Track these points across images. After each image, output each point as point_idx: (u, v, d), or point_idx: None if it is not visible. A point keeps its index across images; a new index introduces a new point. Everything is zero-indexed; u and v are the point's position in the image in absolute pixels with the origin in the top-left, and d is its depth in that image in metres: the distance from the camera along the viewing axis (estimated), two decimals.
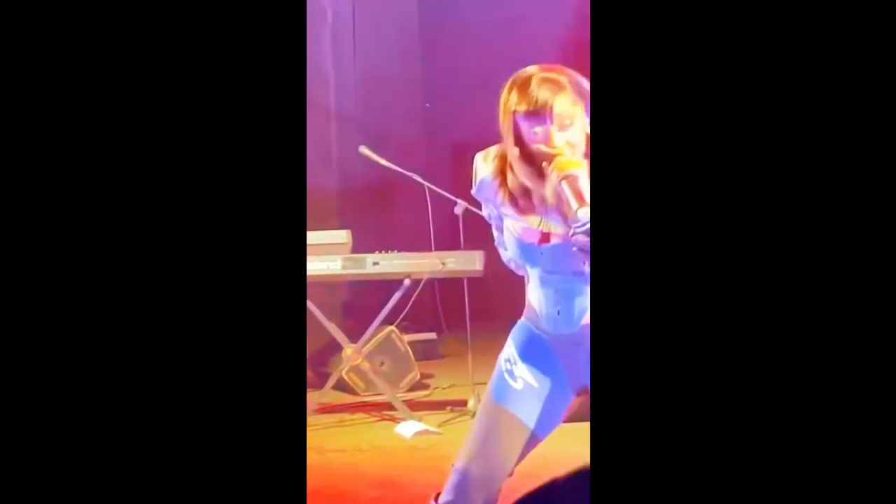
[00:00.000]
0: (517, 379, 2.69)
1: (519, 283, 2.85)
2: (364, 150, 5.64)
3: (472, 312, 5.57)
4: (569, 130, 2.45)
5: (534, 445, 2.69)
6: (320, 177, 6.92)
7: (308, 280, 5.35)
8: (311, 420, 5.42)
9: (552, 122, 2.45)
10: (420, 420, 5.35)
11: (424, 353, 6.76)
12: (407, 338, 6.22)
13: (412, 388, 6.11)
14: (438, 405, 5.74)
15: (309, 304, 5.42)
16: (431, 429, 5.24)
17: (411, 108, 7.80)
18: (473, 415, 4.95)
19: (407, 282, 5.44)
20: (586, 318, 2.61)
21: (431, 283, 6.08)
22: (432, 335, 6.95)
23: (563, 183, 2.39)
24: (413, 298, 5.64)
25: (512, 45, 6.61)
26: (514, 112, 2.48)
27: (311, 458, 4.96)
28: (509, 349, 2.76)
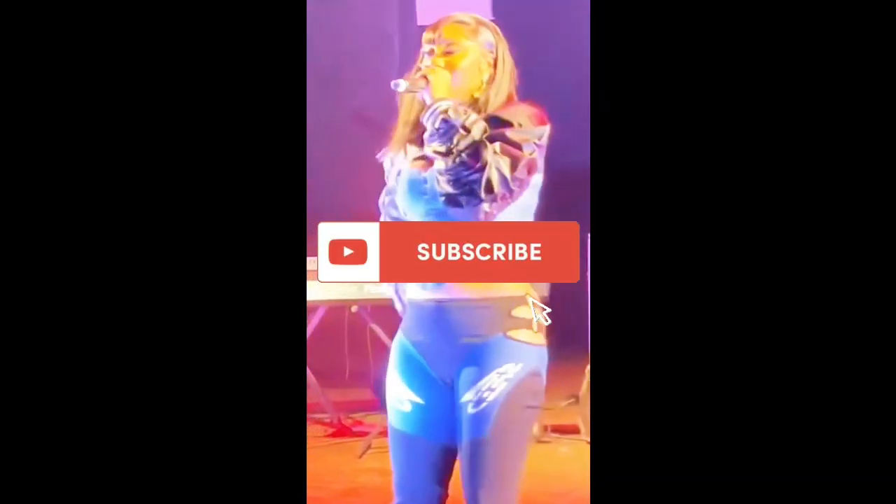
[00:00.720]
0: (403, 402, 2.67)
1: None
2: None
3: None
4: (454, 58, 2.59)
5: (453, 458, 2.63)
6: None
7: (372, 302, 5.40)
8: (375, 443, 5.43)
9: (437, 45, 2.61)
10: None
11: None
12: None
13: None
14: None
15: (374, 325, 5.45)
16: None
17: None
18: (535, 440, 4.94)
19: None
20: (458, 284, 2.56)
21: None
22: None
23: (421, 79, 2.53)
24: None
25: (566, 71, 6.60)
26: (423, 41, 2.65)
27: (373, 479, 4.97)
28: (391, 367, 2.73)
